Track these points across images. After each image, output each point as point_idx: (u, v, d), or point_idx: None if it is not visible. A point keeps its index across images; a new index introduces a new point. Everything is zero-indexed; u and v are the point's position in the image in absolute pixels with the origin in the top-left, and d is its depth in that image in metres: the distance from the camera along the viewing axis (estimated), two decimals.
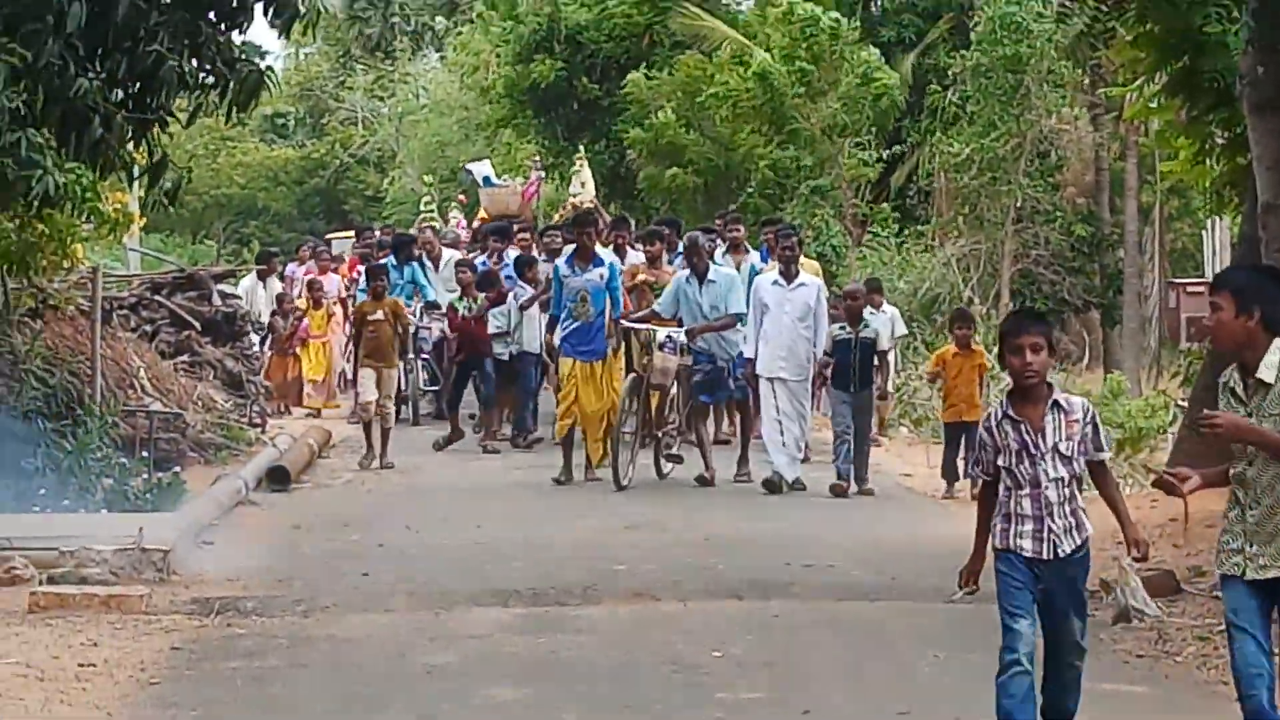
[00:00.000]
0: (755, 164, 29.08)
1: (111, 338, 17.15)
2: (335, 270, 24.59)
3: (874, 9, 32.92)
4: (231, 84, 11.36)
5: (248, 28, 11.56)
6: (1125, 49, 16.55)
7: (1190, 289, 23.13)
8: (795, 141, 28.62)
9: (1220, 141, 14.90)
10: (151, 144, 11.73)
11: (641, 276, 17.94)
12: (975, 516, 7.24)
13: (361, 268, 21.07)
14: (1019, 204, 28.00)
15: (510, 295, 18.74)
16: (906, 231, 29.40)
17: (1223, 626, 6.95)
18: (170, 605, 10.46)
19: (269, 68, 12.08)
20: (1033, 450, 6.87)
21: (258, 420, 19.33)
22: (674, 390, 16.04)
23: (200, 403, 18.03)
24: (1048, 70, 27.24)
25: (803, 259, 17.44)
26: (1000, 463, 6.94)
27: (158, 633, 9.77)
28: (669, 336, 15.67)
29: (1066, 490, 6.90)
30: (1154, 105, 16.17)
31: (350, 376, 19.84)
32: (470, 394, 19.05)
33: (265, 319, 22.67)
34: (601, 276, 15.98)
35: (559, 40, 34.27)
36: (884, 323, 18.46)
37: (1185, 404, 16.80)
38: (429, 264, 21.27)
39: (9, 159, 10.36)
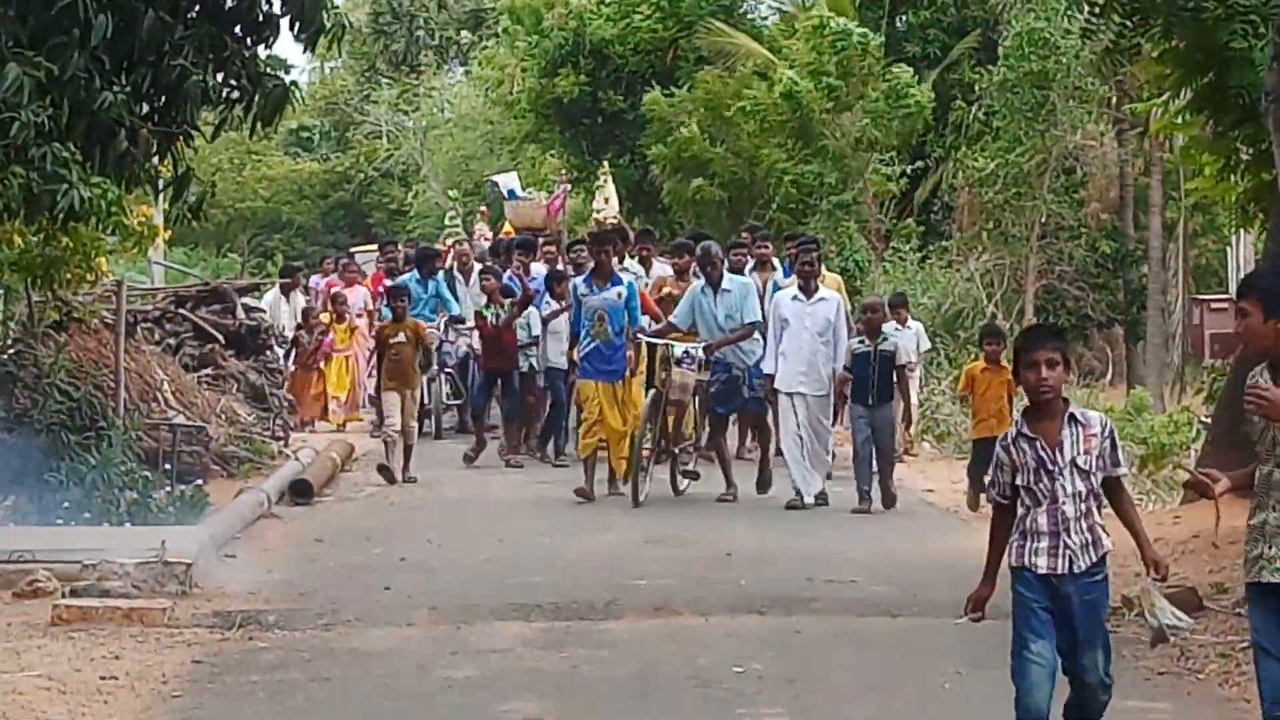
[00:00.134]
0: (779, 178, 29.07)
1: (135, 351, 17.20)
2: (360, 283, 24.57)
3: (899, 24, 32.93)
4: (256, 98, 11.37)
5: (273, 42, 11.55)
6: (1150, 65, 16.54)
7: (1214, 305, 23.03)
8: (821, 156, 28.59)
9: (1245, 157, 14.86)
10: (176, 157, 11.78)
11: (668, 289, 17.90)
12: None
13: (387, 282, 21.09)
14: (1043, 219, 27.97)
15: (532, 306, 18.69)
16: (930, 247, 29.35)
17: (1245, 643, 6.92)
18: (192, 618, 10.49)
19: (294, 82, 12.13)
20: (1050, 465, 6.82)
21: (280, 434, 19.36)
22: (691, 406, 15.99)
23: (223, 416, 18.08)
24: (1073, 86, 27.20)
25: (824, 273, 17.41)
26: (1018, 482, 6.88)
27: (179, 646, 9.80)
28: (686, 352, 15.57)
29: (1084, 505, 6.84)
30: (1179, 121, 16.12)
31: (371, 393, 19.84)
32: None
33: (289, 332, 22.62)
34: (620, 295, 15.93)
35: (584, 54, 34.36)
36: (909, 338, 18.40)
37: (1208, 420, 16.72)
38: (459, 277, 21.28)
39: (34, 172, 10.38)
